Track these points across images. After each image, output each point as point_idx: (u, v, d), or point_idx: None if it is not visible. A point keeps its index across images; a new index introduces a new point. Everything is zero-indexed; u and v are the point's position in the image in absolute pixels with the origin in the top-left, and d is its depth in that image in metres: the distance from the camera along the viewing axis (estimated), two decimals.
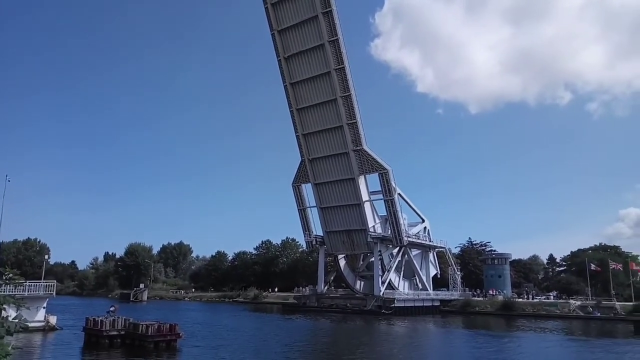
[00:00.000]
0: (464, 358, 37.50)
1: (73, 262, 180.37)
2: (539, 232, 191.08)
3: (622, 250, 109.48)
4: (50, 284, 44.21)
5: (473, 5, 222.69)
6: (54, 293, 44.29)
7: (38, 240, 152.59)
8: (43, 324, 42.26)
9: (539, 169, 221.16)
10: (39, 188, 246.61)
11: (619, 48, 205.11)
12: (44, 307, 42.81)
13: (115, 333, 34.13)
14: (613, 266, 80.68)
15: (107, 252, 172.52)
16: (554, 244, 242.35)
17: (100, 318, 35.54)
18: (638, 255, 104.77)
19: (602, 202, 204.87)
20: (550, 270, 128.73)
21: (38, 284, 43.13)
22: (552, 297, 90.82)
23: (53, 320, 43.63)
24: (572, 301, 78.55)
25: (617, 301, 75.82)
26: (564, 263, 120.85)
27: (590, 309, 72.62)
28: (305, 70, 79.42)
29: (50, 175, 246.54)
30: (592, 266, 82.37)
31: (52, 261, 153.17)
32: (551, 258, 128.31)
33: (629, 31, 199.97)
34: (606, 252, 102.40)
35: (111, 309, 51.03)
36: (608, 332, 55.76)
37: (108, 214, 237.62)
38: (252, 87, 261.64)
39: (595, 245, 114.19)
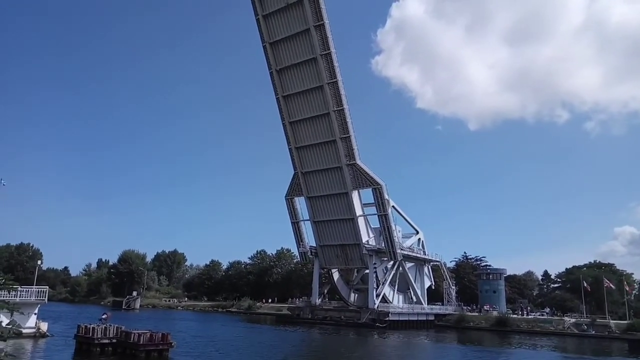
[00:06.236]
0: None
1: (66, 268, 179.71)
2: (534, 248, 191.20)
3: (617, 268, 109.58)
4: (42, 290, 43.63)
5: (473, 25, 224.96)
6: (46, 299, 43.77)
7: (31, 245, 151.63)
8: (34, 330, 41.74)
9: (536, 186, 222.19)
10: (33, 192, 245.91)
11: (615, 70, 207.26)
12: (35, 314, 42.33)
13: (106, 341, 33.80)
14: (606, 284, 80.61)
15: (101, 259, 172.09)
16: (549, 260, 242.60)
17: (92, 325, 35.20)
18: (632, 274, 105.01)
19: (598, 220, 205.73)
20: (545, 286, 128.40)
21: (30, 289, 42.62)
22: (546, 313, 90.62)
23: (44, 326, 43.11)
24: (566, 318, 78.25)
25: (612, 319, 75.65)
26: (558, 280, 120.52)
27: (585, 326, 72.36)
28: (298, 83, 78.13)
29: (45, 179, 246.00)
30: (584, 284, 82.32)
31: (44, 267, 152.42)
32: (546, 274, 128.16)
33: (624, 54, 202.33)
34: (601, 270, 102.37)
35: (103, 316, 50.49)
36: (602, 350, 55.51)
37: (102, 220, 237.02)
38: (252, 97, 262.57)
39: (590, 262, 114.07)
